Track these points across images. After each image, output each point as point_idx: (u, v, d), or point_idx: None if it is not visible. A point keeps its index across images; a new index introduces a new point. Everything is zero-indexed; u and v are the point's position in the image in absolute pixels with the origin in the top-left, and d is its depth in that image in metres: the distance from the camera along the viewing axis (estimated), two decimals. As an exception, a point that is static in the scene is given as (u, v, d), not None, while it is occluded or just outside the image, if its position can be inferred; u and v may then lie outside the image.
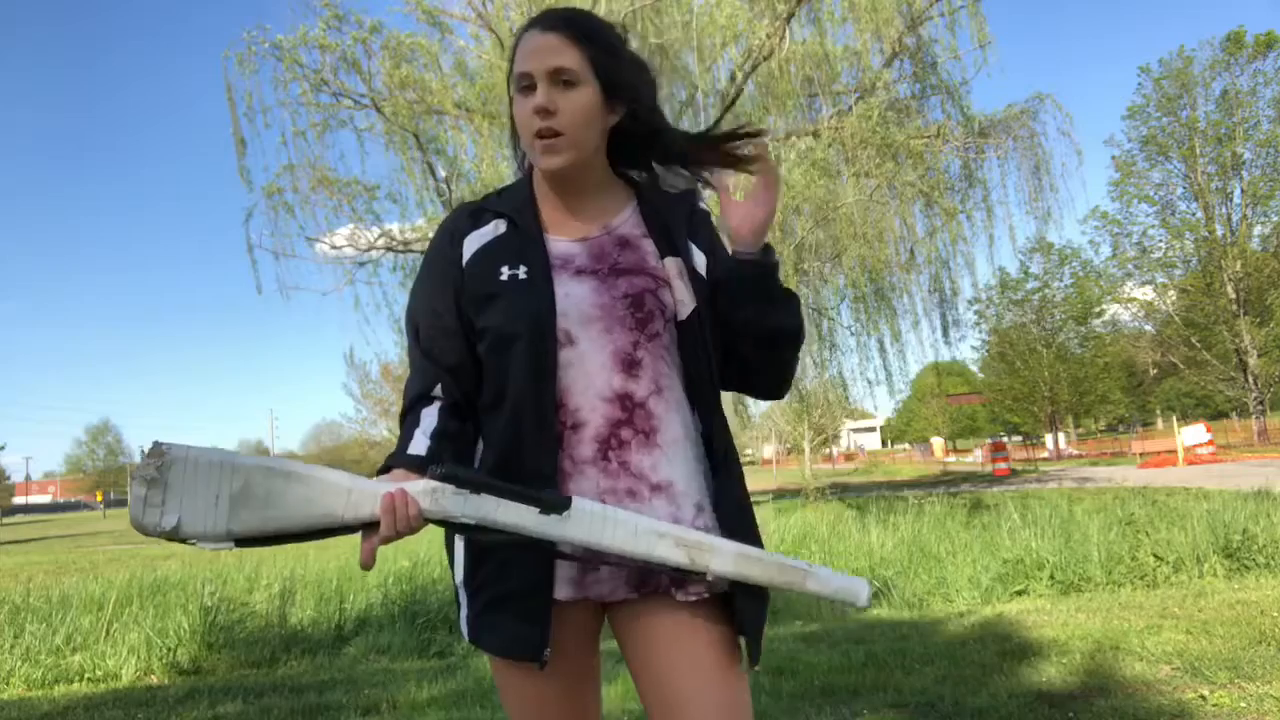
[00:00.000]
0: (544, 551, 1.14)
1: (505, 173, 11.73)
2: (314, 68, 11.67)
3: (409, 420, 1.25)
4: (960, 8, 11.68)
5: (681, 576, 1.16)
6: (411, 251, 13.00)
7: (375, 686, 4.01)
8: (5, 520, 60.21)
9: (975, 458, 38.35)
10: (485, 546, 1.16)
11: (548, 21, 1.26)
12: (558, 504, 1.06)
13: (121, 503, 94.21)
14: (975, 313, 35.23)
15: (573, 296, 1.21)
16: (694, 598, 1.19)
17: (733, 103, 11.80)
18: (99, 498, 65.76)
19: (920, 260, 13.00)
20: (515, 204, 1.30)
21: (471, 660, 4.63)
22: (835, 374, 14.32)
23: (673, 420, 1.22)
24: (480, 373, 1.26)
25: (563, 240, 1.27)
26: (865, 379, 13.81)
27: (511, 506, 1.06)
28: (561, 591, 1.17)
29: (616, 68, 1.27)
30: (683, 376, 1.26)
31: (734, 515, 1.23)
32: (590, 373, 1.19)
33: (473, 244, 1.28)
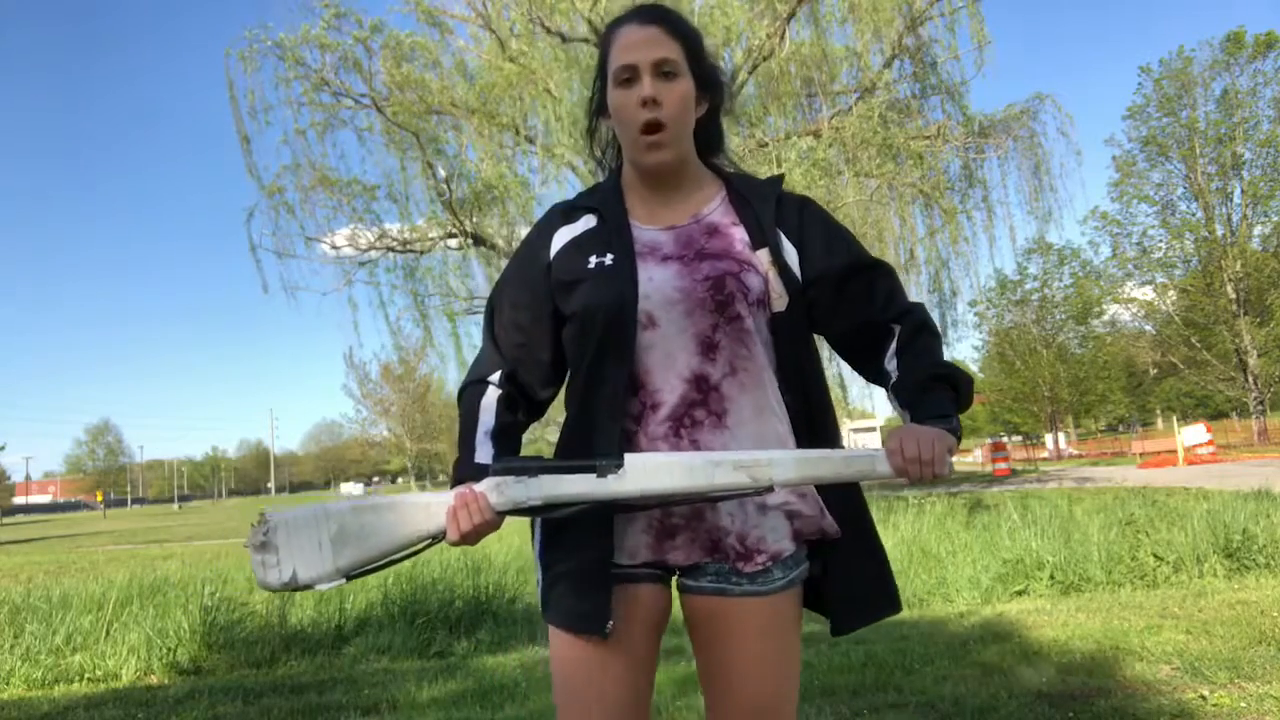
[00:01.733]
0: (605, 526, 1.20)
1: (505, 173, 11.73)
2: (315, 67, 11.68)
3: (465, 411, 1.31)
4: (960, 8, 11.70)
5: (745, 549, 1.21)
6: (411, 251, 12.99)
7: (375, 686, 4.01)
8: (5, 520, 60.19)
9: (975, 458, 38.32)
10: (561, 521, 1.21)
11: (646, 15, 1.30)
12: (611, 465, 1.12)
13: (121, 502, 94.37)
14: (975, 314, 35.32)
15: (656, 280, 1.24)
16: (760, 567, 1.22)
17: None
18: (99, 498, 65.78)
19: (920, 260, 13.02)
20: (604, 198, 1.34)
21: (471, 660, 4.63)
22: (835, 374, 14.33)
23: (745, 402, 1.24)
24: (549, 370, 1.33)
25: (651, 229, 1.31)
26: (865, 380, 13.80)
27: (570, 479, 1.12)
28: (641, 555, 1.22)
29: (707, 63, 1.34)
30: (773, 362, 1.28)
31: (829, 491, 1.28)
32: (671, 354, 1.23)
33: (562, 238, 1.32)
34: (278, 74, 11.78)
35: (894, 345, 1.27)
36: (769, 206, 1.32)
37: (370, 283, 13.19)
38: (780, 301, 1.26)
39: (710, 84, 1.34)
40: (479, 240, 12.41)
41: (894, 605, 1.31)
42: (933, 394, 1.20)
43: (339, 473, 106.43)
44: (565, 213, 1.36)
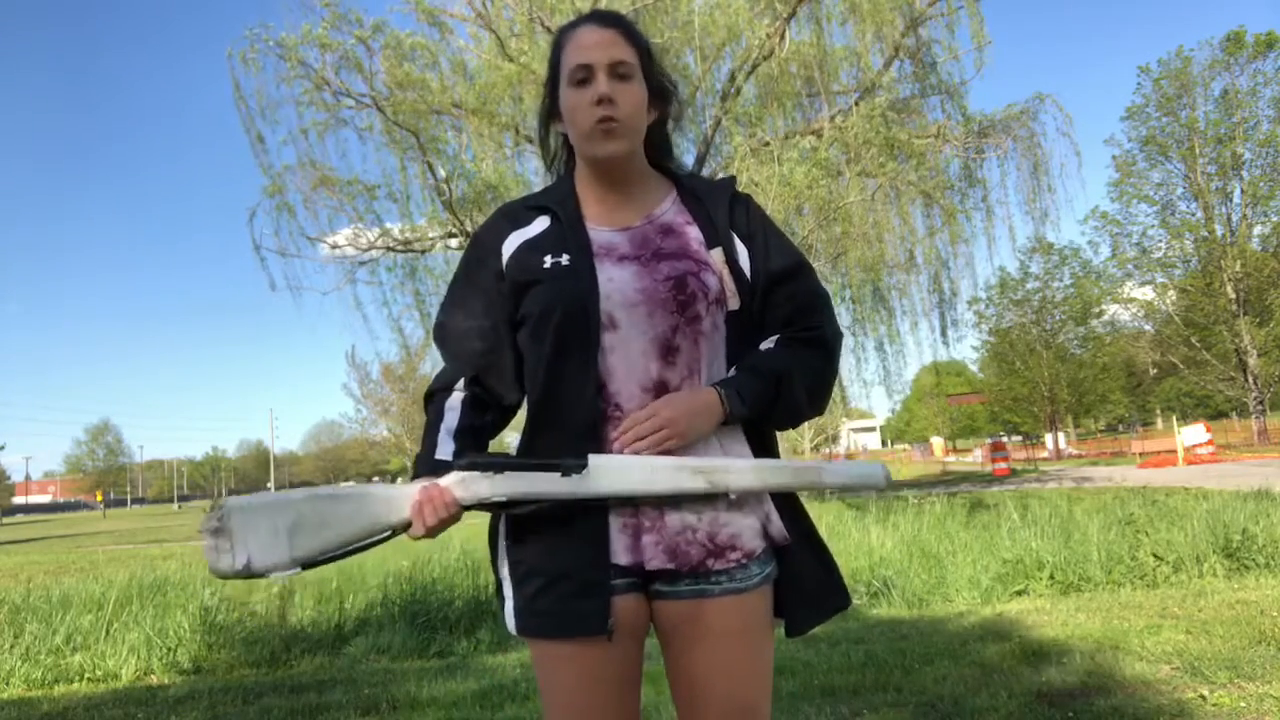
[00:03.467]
0: (600, 527, 1.19)
1: (505, 173, 11.73)
2: (315, 67, 11.68)
3: (431, 412, 1.32)
4: (960, 8, 11.69)
5: (716, 546, 1.21)
6: (411, 251, 13.00)
7: (375, 686, 4.01)
8: (5, 520, 60.18)
9: (975, 458, 38.32)
10: (537, 528, 1.21)
11: (602, 19, 1.31)
12: (575, 465, 1.14)
13: (121, 502, 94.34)
14: (975, 313, 35.32)
15: (616, 281, 1.23)
16: (733, 564, 1.22)
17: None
18: (99, 498, 65.77)
19: (920, 260, 13.02)
20: (557, 198, 1.33)
21: (471, 660, 4.63)
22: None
23: None
24: (511, 372, 1.31)
25: (605, 230, 1.30)
26: (863, 379, 13.83)
27: (534, 477, 1.15)
28: (621, 558, 1.20)
29: (658, 72, 1.35)
30: (725, 362, 1.29)
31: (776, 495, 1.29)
32: (631, 358, 1.22)
33: (514, 241, 1.31)
34: (279, 74, 11.81)
35: (783, 337, 1.31)
36: (723, 207, 1.33)
37: (372, 282, 13.22)
38: (734, 301, 1.27)
39: (661, 94, 1.35)
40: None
41: (844, 599, 1.32)
42: (750, 374, 1.24)
43: (339, 473, 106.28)
44: (514, 215, 1.35)
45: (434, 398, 1.34)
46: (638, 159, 1.34)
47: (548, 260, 1.25)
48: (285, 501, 1.15)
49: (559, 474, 1.14)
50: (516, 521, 1.24)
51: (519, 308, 1.27)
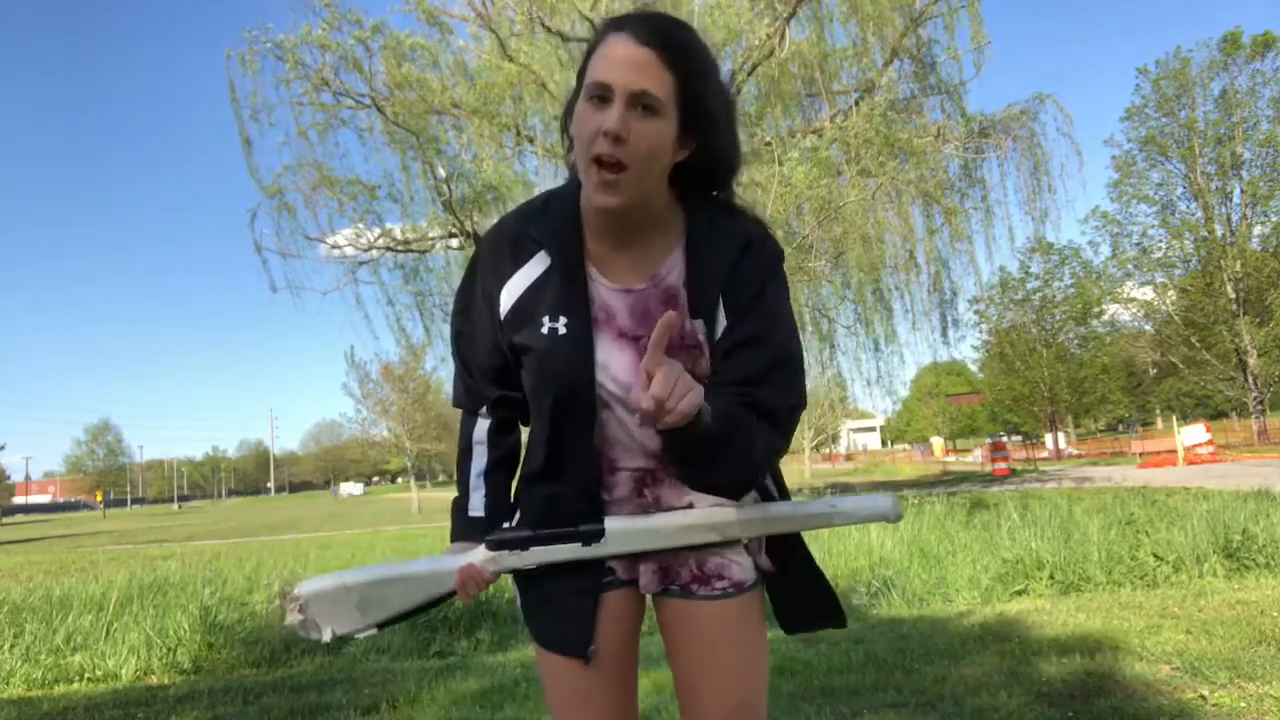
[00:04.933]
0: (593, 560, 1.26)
1: (505, 173, 11.73)
2: (315, 67, 11.69)
3: (461, 439, 1.36)
4: (959, 8, 11.70)
5: (703, 574, 1.27)
6: (411, 251, 13.01)
7: (375, 686, 4.01)
8: (5, 520, 60.19)
9: (975, 458, 38.34)
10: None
11: (644, 33, 1.11)
12: (594, 535, 1.24)
13: (121, 502, 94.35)
14: (975, 313, 35.33)
15: (612, 368, 1.19)
16: (718, 593, 1.26)
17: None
18: (99, 498, 65.78)
19: (920, 260, 13.02)
20: (558, 230, 1.22)
21: (471, 660, 4.64)
22: (835, 374, 14.36)
23: None
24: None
25: (607, 286, 1.22)
26: (864, 379, 13.84)
27: (558, 547, 1.25)
28: (621, 573, 1.28)
29: (701, 98, 1.14)
30: None
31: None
32: (629, 432, 1.22)
33: (513, 291, 1.23)
34: (278, 75, 11.82)
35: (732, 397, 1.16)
36: (725, 262, 1.19)
37: (373, 282, 13.24)
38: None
39: (700, 124, 1.16)
40: (480, 240, 12.42)
41: (837, 619, 1.35)
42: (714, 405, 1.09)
43: (339, 472, 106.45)
44: (515, 245, 1.24)
45: (463, 421, 1.37)
46: (649, 203, 1.19)
47: (544, 325, 1.18)
48: (348, 588, 1.33)
49: (580, 544, 1.24)
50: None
51: (517, 361, 1.25)
